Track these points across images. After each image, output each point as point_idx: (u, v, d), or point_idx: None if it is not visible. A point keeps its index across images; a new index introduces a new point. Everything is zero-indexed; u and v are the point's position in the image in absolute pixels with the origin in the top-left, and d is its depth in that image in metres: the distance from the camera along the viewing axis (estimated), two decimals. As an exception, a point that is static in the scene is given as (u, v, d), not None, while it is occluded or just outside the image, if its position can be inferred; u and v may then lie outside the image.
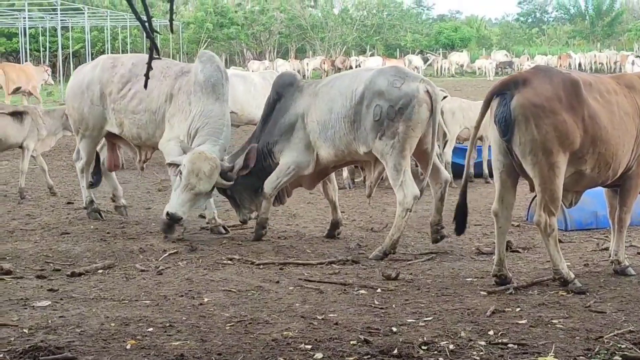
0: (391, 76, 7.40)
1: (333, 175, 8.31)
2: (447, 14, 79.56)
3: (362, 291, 6.12)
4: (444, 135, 11.74)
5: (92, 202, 8.96)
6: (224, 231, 8.28)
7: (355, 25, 63.54)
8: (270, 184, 7.84)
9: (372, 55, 51.83)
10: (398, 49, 61.04)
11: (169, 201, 7.91)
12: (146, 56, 8.80)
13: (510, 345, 4.88)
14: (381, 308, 5.67)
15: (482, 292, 6.05)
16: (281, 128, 7.84)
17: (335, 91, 7.62)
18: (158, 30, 38.92)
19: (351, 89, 7.50)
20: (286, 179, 7.83)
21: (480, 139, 11.40)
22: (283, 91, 7.98)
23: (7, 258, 7.07)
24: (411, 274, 6.67)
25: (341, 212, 9.44)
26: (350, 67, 44.45)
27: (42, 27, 40.68)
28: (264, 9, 61.73)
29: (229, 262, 7.03)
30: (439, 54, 56.74)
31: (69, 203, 9.96)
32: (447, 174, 7.83)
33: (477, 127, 6.47)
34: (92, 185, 8.99)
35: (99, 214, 8.96)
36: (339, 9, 67.01)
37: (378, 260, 7.17)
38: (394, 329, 5.16)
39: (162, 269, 6.75)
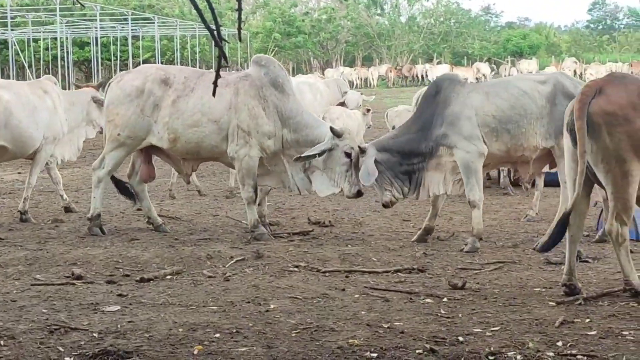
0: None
1: None
2: (515, 21, 79.03)
3: (428, 300, 6.08)
4: None
5: (99, 215, 8.65)
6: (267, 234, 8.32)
7: (422, 33, 63.35)
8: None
9: (439, 63, 51.58)
10: (465, 57, 60.65)
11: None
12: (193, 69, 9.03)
13: (579, 356, 4.80)
14: (447, 317, 5.63)
15: (550, 303, 5.96)
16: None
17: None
18: (226, 39, 39.38)
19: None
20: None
21: None
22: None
23: (78, 263, 7.21)
24: (478, 283, 6.61)
25: (406, 220, 9.46)
26: (416, 76, 44.39)
27: (113, 37, 41.53)
28: (331, 18, 61.96)
29: (295, 269, 7.06)
30: (507, 61, 56.20)
31: (138, 210, 10.10)
32: None
33: None
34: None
35: (100, 229, 8.58)
36: (406, 16, 66.87)
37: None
38: (461, 339, 5.12)
39: (229, 276, 6.80)
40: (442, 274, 6.93)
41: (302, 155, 8.10)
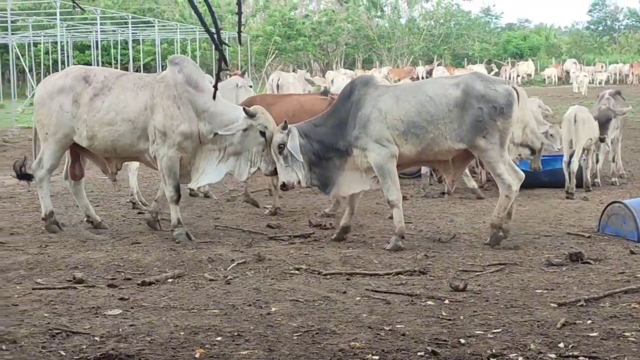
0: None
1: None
2: (515, 23, 78.87)
3: (430, 302, 6.08)
4: (570, 143, 11.60)
5: (52, 213, 8.89)
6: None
7: (423, 35, 63.32)
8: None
9: (439, 64, 51.57)
10: (466, 59, 60.64)
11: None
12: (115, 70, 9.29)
13: (581, 358, 4.80)
14: (449, 319, 5.63)
15: (552, 304, 5.96)
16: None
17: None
18: (227, 42, 39.39)
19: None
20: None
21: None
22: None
23: (80, 267, 7.21)
24: (479, 285, 6.61)
25: (408, 222, 9.46)
26: (418, 78, 44.33)
27: (113, 40, 41.51)
28: (331, 20, 61.94)
29: (296, 272, 7.06)
30: (508, 62, 56.18)
31: (139, 213, 10.12)
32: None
33: None
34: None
35: (57, 225, 8.86)
36: (406, 19, 66.85)
37: (496, 244, 8.00)
38: (462, 341, 5.12)
39: (231, 279, 6.81)
40: (443, 276, 6.93)
41: (218, 131, 8.30)
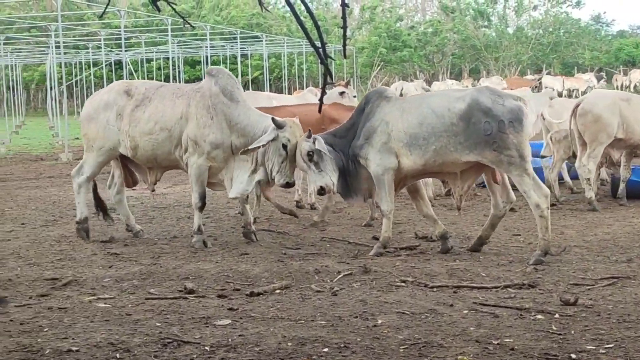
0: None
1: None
2: (627, 30, 76.58)
3: (539, 316, 5.97)
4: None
5: (86, 219, 9.29)
6: (254, 239, 8.98)
7: (531, 43, 62.30)
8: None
9: (548, 73, 50.63)
10: (576, 67, 59.33)
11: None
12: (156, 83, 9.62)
13: (699, 376, 4.63)
14: (559, 334, 5.51)
15: (668, 320, 5.77)
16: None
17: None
18: (332, 55, 39.67)
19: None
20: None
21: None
22: None
23: (190, 278, 7.38)
24: (591, 299, 6.45)
25: (516, 234, 9.31)
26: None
27: (223, 55, 42.37)
28: (437, 31, 61.64)
29: (402, 284, 7.04)
30: (619, 71, 54.69)
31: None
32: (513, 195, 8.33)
33: None
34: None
35: (86, 233, 9.26)
36: (514, 27, 65.90)
37: (539, 264, 7.65)
38: (573, 356, 5.01)
39: (337, 290, 6.84)
40: (553, 290, 6.79)
41: (249, 147, 8.48)
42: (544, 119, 13.16)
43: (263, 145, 8.44)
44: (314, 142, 8.27)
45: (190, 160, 8.74)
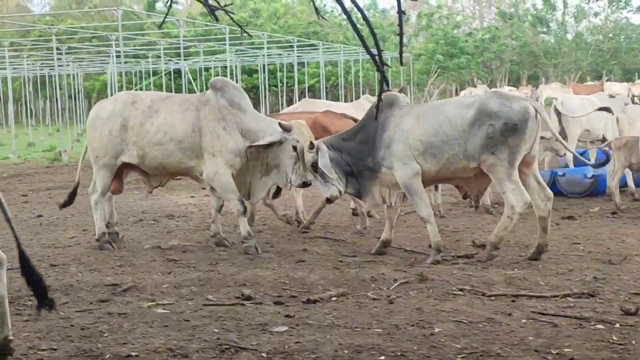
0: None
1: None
2: (691, 35, 75.00)
3: (599, 326, 5.88)
4: None
5: (104, 234, 9.34)
6: (228, 244, 9.24)
7: (591, 50, 61.45)
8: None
9: (608, 80, 49.88)
10: (637, 73, 58.35)
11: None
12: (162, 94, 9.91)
13: None
14: (620, 344, 5.42)
15: None
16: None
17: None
18: (389, 62, 39.61)
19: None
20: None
21: None
22: None
23: (248, 284, 7.42)
24: (653, 309, 6.33)
25: (575, 242, 9.19)
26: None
27: (280, 63, 42.59)
28: (494, 37, 61.16)
29: (460, 292, 7.00)
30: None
31: (303, 232, 10.31)
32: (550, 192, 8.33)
33: None
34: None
35: (110, 244, 9.32)
36: (573, 33, 65.08)
37: (491, 259, 8.11)
38: (634, 367, 4.92)
39: (393, 298, 6.82)
40: (614, 299, 6.68)
41: (253, 144, 8.83)
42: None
43: (266, 145, 8.75)
44: (316, 153, 8.46)
45: (210, 172, 8.91)
